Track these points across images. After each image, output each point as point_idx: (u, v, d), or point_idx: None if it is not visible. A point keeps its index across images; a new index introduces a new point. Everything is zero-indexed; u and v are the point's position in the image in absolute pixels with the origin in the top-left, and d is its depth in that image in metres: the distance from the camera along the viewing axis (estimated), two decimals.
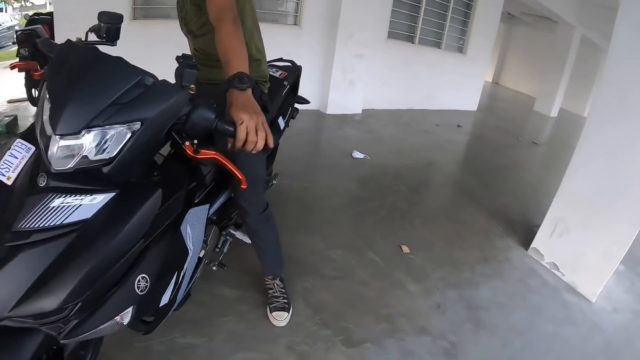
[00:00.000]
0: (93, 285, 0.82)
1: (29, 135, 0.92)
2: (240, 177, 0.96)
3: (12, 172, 0.87)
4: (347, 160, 3.90)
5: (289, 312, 1.80)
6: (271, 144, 0.93)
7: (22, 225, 0.79)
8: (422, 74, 6.60)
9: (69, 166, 0.80)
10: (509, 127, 7.11)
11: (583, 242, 2.44)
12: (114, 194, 0.86)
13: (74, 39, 1.05)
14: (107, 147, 0.81)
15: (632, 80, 2.13)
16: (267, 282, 1.88)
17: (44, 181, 0.82)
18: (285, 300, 1.83)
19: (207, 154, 0.93)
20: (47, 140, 0.80)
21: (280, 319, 1.77)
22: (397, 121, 5.84)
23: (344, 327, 1.85)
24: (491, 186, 4.07)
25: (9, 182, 0.86)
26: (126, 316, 0.94)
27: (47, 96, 0.81)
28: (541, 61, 10.54)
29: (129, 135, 0.82)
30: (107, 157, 0.82)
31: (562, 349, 2.00)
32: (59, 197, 0.81)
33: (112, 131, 0.81)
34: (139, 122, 0.82)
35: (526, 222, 3.31)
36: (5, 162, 0.88)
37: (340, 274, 2.24)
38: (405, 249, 2.60)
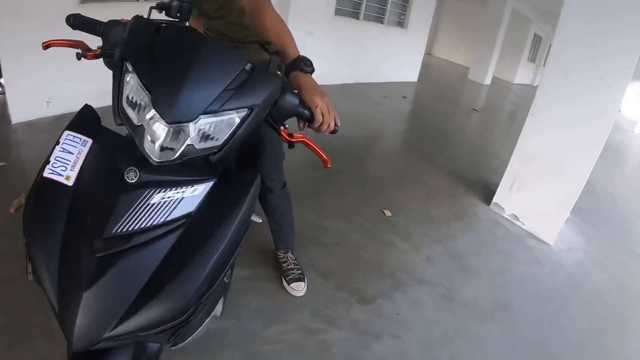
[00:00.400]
0: (216, 281, 0.77)
1: (79, 126, 0.81)
2: (325, 158, 0.95)
3: (71, 170, 0.76)
4: (312, 135, 3.96)
5: (304, 282, 1.89)
6: (339, 124, 0.95)
7: (117, 229, 0.71)
8: (367, 49, 6.77)
9: (175, 157, 0.73)
10: (449, 95, 7.63)
11: (539, 194, 2.81)
12: (213, 182, 0.80)
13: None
14: (213, 135, 0.77)
15: (576, 55, 2.46)
16: (280, 257, 1.93)
17: (135, 176, 0.74)
18: (300, 271, 1.91)
19: (297, 137, 0.92)
20: (142, 130, 0.73)
21: (299, 289, 1.85)
22: (348, 95, 5.99)
23: (355, 288, 1.99)
24: (446, 151, 4.41)
25: (70, 183, 0.75)
26: (219, 308, 0.91)
27: (142, 81, 0.73)
28: (473, 32, 11.33)
29: (237, 121, 0.78)
30: (215, 145, 0.78)
31: (535, 285, 2.35)
32: (158, 192, 0.74)
33: (226, 117, 0.76)
34: (247, 109, 0.78)
35: (483, 181, 3.67)
36: (59, 159, 0.76)
37: (338, 240, 2.36)
38: (388, 212, 2.78)
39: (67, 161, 0.77)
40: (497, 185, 3.18)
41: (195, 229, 0.76)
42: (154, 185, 0.74)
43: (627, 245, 3.33)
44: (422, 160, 3.99)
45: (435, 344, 1.76)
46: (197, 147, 0.75)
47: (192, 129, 0.73)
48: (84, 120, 0.84)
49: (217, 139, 0.78)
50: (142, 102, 0.74)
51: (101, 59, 0.97)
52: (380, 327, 1.78)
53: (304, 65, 0.96)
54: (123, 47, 0.80)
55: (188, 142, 0.74)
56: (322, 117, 0.92)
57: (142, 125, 0.73)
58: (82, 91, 2.90)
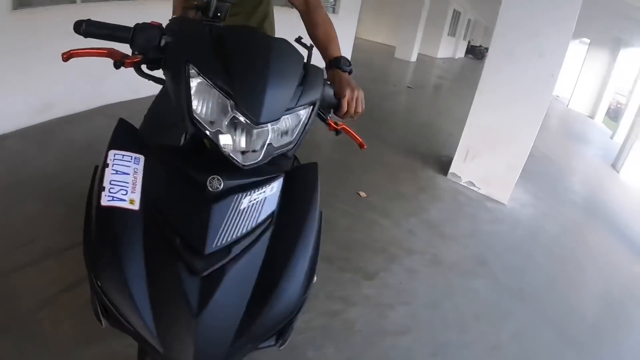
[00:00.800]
0: (315, 272, 0.78)
1: (122, 144, 0.75)
2: (361, 141, 1.04)
3: (132, 192, 0.69)
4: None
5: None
6: (362, 114, 1.03)
7: (217, 243, 0.67)
8: (304, 36, 6.78)
9: (260, 158, 0.72)
10: (382, 76, 8.00)
11: (491, 161, 3.18)
12: (282, 177, 0.79)
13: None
14: (288, 131, 0.77)
15: (517, 37, 2.81)
16: None
17: (219, 184, 0.69)
18: None
19: (341, 125, 0.99)
20: (218, 135, 0.70)
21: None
22: None
23: (357, 267, 2.13)
24: (394, 130, 4.70)
25: (136, 206, 0.68)
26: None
27: (217, 85, 0.70)
28: (396, 12, 11.88)
29: (305, 116, 0.80)
30: (290, 141, 0.77)
31: (501, 240, 2.70)
32: (244, 197, 0.71)
33: (298, 113, 0.78)
34: (312, 103, 0.81)
35: (435, 154, 4.01)
36: (114, 183, 0.68)
37: (328, 227, 2.45)
38: (363, 194, 2.96)
39: (125, 183, 0.69)
40: (448, 157, 3.51)
41: (282, 226, 0.75)
42: (238, 190, 0.71)
43: (564, 195, 3.96)
44: (376, 142, 4.20)
45: (439, 303, 1.98)
46: (275, 145, 0.75)
47: (272, 127, 0.72)
48: (125, 136, 0.77)
49: (291, 135, 0.77)
50: (218, 107, 0.71)
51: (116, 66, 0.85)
52: (389, 297, 1.96)
53: (343, 64, 1.05)
54: (183, 50, 0.75)
55: (268, 141, 0.73)
56: (347, 107, 0.99)
57: (218, 130, 0.70)
58: (19, 106, 2.63)
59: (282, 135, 0.77)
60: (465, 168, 3.35)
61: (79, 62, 3.50)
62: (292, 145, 0.79)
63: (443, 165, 3.61)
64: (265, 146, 0.72)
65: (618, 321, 2.35)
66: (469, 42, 21.39)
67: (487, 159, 3.19)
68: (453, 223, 2.80)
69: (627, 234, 3.67)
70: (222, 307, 0.65)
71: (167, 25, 0.84)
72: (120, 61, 0.82)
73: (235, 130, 0.70)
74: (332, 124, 1.00)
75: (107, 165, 0.70)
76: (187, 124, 0.72)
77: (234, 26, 0.84)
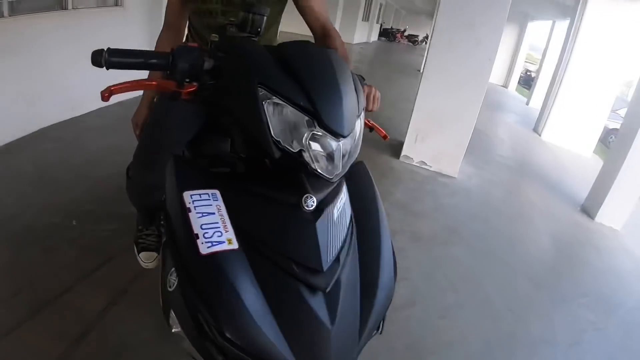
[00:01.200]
0: (395, 257, 0.85)
1: (191, 182, 0.73)
2: (385, 133, 1.11)
3: (226, 232, 0.66)
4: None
5: None
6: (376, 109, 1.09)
7: (329, 258, 0.67)
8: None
9: (342, 169, 0.71)
10: None
11: (439, 141, 3.51)
12: (344, 181, 0.80)
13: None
14: (355, 138, 0.76)
15: (456, 27, 3.12)
16: None
17: (312, 203, 0.68)
18: None
19: (367, 120, 0.99)
20: (300, 153, 0.69)
21: None
22: None
23: None
24: None
25: (235, 245, 0.66)
26: None
27: (297, 104, 0.68)
28: None
29: (362, 120, 0.82)
30: (356, 146, 0.76)
31: (461, 209, 3.04)
32: (333, 208, 0.72)
33: (361, 117, 0.78)
34: (364, 108, 0.82)
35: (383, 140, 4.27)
36: (206, 227, 0.66)
37: None
38: None
39: (216, 224, 0.67)
40: (397, 140, 3.79)
41: (359, 225, 0.79)
42: (326, 203, 0.72)
43: (500, 161, 4.54)
44: None
45: (432, 274, 2.20)
46: (352, 153, 0.75)
47: (350, 137, 0.72)
48: (190, 174, 0.76)
49: (356, 140, 0.76)
50: (297, 125, 0.68)
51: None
52: None
53: (361, 79, 1.09)
54: (248, 71, 0.72)
55: (349, 150, 0.73)
56: (367, 102, 1.02)
57: (300, 150, 0.68)
58: None
59: (352, 142, 0.76)
60: (416, 149, 3.65)
61: (9, 84, 3.12)
62: (358, 151, 0.78)
63: (394, 149, 3.87)
64: (347, 156, 0.72)
65: (571, 261, 2.86)
66: (381, 25, 22.63)
67: (435, 139, 3.52)
68: (419, 201, 3.06)
69: (559, 188, 4.31)
70: (346, 315, 0.68)
71: (216, 46, 0.81)
72: (176, 92, 0.77)
73: (316, 145, 0.69)
74: (367, 122, 1.03)
75: (189, 210, 0.67)
76: (270, 148, 0.68)
77: (291, 42, 0.79)
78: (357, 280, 0.74)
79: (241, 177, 0.81)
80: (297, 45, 0.77)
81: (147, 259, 1.44)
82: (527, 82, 14.88)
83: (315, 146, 0.68)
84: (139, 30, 3.69)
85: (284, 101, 0.68)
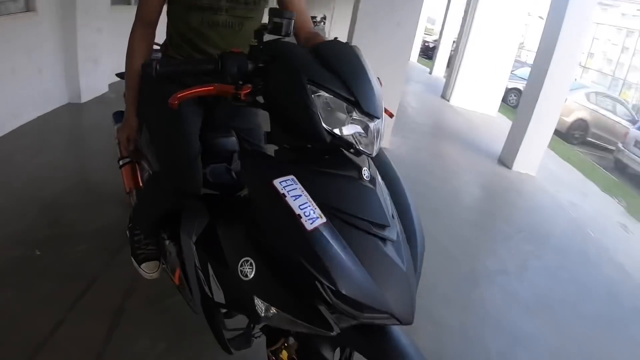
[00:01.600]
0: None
1: (272, 172, 0.80)
2: (390, 111, 1.14)
3: (315, 208, 0.75)
4: None
5: None
6: None
7: (390, 217, 0.80)
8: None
9: (378, 145, 0.82)
10: None
11: None
12: None
13: None
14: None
15: (377, 9, 3.31)
16: None
17: (368, 174, 0.82)
18: None
19: None
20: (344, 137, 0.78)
21: None
22: None
23: None
24: None
25: (325, 219, 0.75)
26: None
27: (340, 95, 0.78)
28: None
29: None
30: (381, 127, 0.85)
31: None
32: (377, 177, 0.84)
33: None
34: None
35: None
36: (302, 207, 0.75)
37: None
38: None
39: (307, 204, 0.76)
40: None
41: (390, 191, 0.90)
42: (373, 173, 0.84)
43: (420, 129, 5.06)
44: None
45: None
46: (381, 130, 0.84)
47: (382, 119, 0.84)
48: (270, 165, 0.86)
49: (383, 120, 0.85)
50: (341, 113, 0.79)
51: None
52: None
53: None
54: (296, 69, 0.82)
55: (381, 130, 0.83)
56: None
57: (344, 132, 0.78)
58: None
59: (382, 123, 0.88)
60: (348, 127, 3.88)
61: None
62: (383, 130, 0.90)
63: None
64: (380, 134, 0.83)
65: (501, 205, 3.39)
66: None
67: None
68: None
69: (476, 145, 4.93)
70: (408, 259, 0.79)
71: (263, 49, 0.89)
72: (235, 94, 0.85)
73: (356, 127, 0.79)
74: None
75: (285, 195, 0.76)
76: (322, 135, 0.78)
77: (325, 42, 0.91)
78: (403, 232, 0.86)
79: (295, 162, 0.87)
80: (331, 44, 0.89)
81: (150, 269, 1.40)
82: (425, 52, 16.02)
83: (355, 128, 0.79)
84: (53, 35, 3.36)
85: (329, 93, 0.79)
